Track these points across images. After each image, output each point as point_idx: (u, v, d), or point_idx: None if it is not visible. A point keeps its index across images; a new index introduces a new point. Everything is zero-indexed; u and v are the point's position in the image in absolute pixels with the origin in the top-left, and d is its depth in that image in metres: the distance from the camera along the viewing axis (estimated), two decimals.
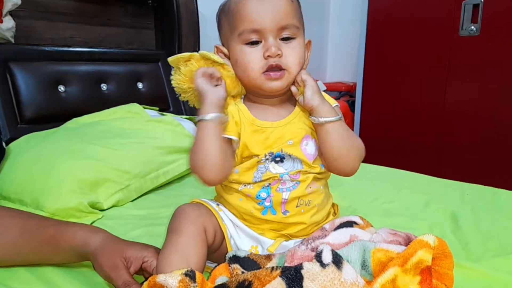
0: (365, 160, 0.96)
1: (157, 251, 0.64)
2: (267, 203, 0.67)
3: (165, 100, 1.72)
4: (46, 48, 1.41)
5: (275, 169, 0.66)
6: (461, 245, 0.83)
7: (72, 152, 1.05)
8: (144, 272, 0.64)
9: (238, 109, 0.69)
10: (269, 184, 0.67)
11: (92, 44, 1.61)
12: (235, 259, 0.62)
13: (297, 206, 0.67)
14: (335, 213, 0.76)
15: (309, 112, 0.66)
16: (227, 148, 0.67)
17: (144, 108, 1.47)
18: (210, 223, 0.66)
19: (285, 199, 0.67)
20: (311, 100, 0.64)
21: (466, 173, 1.91)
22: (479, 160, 2.02)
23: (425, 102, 2.14)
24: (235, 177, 0.68)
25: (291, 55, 0.65)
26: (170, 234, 0.63)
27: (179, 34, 1.80)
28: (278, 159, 0.66)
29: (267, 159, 0.66)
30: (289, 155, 0.67)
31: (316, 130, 0.66)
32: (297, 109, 0.69)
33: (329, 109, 0.65)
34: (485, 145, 2.00)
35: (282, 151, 0.66)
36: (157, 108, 1.59)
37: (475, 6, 1.92)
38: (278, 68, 0.65)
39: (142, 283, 0.59)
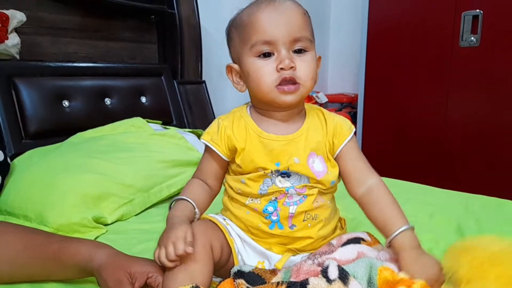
0: None
1: (162, 266, 0.64)
2: (274, 217, 0.67)
3: (168, 113, 1.73)
4: (51, 64, 1.43)
5: (281, 183, 0.66)
6: None
7: (76, 166, 1.06)
8: None
9: (244, 123, 0.69)
10: (276, 198, 0.66)
11: (95, 59, 1.63)
12: (240, 274, 0.61)
13: (304, 220, 0.67)
14: (342, 227, 0.76)
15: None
16: (213, 174, 0.73)
17: (148, 122, 1.48)
18: (216, 239, 0.65)
19: (292, 213, 0.66)
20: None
21: (469, 184, 1.90)
22: (481, 171, 2.01)
23: (426, 112, 2.14)
24: (241, 187, 0.68)
25: (304, 68, 0.64)
26: None
27: (182, 48, 1.82)
28: (285, 175, 0.66)
29: (273, 174, 0.66)
30: (296, 173, 0.66)
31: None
32: (305, 126, 0.69)
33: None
34: (488, 155, 1.99)
35: (288, 169, 0.66)
36: (160, 122, 1.60)
37: (475, 17, 1.93)
38: (292, 81, 0.63)
39: None
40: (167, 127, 1.55)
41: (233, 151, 0.69)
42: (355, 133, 0.72)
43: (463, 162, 2.07)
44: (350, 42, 2.77)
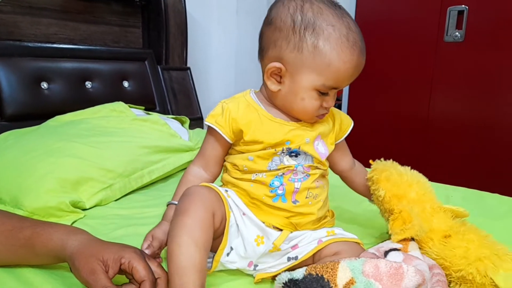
0: None
1: (136, 251, 0.62)
2: (280, 191, 0.69)
3: (152, 99, 1.70)
4: (29, 44, 1.38)
5: (289, 162, 0.69)
6: None
7: (54, 150, 1.03)
8: (126, 274, 0.62)
9: (254, 109, 0.70)
10: (283, 173, 0.69)
11: (76, 41, 1.58)
12: (294, 283, 0.53)
13: (306, 197, 0.70)
14: (331, 217, 0.79)
15: None
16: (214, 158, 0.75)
17: (130, 107, 1.44)
18: (218, 209, 0.65)
19: (297, 188, 0.69)
20: None
21: (451, 178, 1.93)
22: (463, 164, 2.05)
23: (410, 105, 2.16)
24: (248, 164, 0.69)
25: (333, 101, 0.70)
26: (179, 215, 0.62)
27: (167, 34, 1.79)
28: (293, 154, 0.69)
29: (283, 152, 0.69)
30: (304, 152, 0.70)
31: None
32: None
33: None
34: (469, 149, 2.03)
35: (299, 148, 0.69)
36: (143, 108, 1.57)
37: (460, 13, 1.95)
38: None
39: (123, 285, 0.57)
40: (150, 112, 1.52)
41: (237, 134, 0.70)
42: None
43: (445, 155, 2.10)
44: None
